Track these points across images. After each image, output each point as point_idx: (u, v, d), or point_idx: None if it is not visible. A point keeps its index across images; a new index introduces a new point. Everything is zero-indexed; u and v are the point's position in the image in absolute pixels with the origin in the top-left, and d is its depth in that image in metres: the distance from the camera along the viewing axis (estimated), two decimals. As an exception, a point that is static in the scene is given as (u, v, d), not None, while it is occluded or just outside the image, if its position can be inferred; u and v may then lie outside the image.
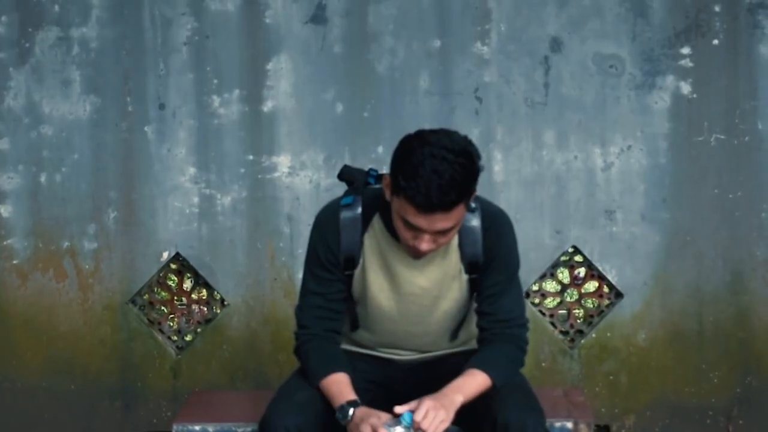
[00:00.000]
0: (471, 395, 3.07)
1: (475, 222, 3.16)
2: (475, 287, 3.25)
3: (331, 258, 3.21)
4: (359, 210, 3.18)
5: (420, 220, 2.92)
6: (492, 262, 3.19)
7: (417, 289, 3.21)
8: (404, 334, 3.29)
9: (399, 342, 3.32)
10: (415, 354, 3.35)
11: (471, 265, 3.20)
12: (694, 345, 4.66)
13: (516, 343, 3.23)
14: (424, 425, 2.91)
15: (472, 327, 3.34)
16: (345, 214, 3.19)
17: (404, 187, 2.88)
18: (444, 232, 2.97)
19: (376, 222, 3.21)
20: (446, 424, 2.96)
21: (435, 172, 2.85)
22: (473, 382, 3.09)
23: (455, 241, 3.17)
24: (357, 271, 3.23)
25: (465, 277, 3.22)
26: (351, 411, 3.04)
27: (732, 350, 4.66)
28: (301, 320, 3.31)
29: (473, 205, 3.14)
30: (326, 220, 3.23)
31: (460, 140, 2.97)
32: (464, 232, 3.15)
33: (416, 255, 3.08)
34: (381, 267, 3.21)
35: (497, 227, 3.20)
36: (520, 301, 3.27)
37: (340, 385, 3.13)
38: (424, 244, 2.98)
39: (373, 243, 3.20)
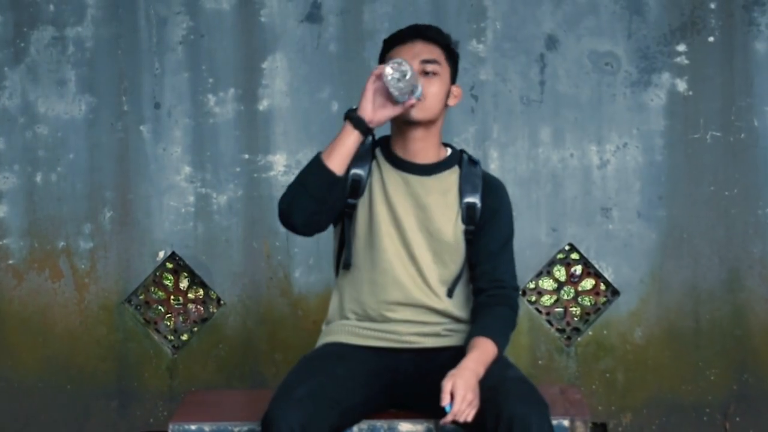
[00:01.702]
0: (487, 365, 3.12)
1: (476, 174, 3.34)
2: (470, 246, 3.32)
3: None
4: (369, 142, 3.33)
5: (404, 52, 3.22)
6: (489, 220, 3.32)
7: (412, 217, 3.28)
8: (400, 281, 3.29)
9: (395, 292, 3.30)
10: (413, 335, 3.33)
11: (469, 210, 3.30)
12: (691, 342, 4.66)
13: (510, 305, 3.30)
14: (461, 418, 2.99)
15: (469, 304, 3.38)
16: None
17: (391, 37, 3.30)
18: (427, 68, 3.22)
19: (378, 153, 3.36)
20: (476, 401, 3.03)
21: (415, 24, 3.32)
22: (485, 353, 3.14)
23: (455, 187, 3.31)
24: (362, 201, 3.30)
25: (461, 226, 3.30)
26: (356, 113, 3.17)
27: (728, 348, 4.66)
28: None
29: (475, 160, 3.37)
30: None
31: None
32: (465, 178, 3.33)
33: (409, 111, 3.19)
34: (383, 195, 3.30)
35: (495, 187, 3.38)
36: (513, 267, 3.38)
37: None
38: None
39: (376, 171, 3.32)
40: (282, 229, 4.68)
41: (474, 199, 3.31)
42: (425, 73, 3.22)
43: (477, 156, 4.59)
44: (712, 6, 4.60)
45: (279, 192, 4.55)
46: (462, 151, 3.40)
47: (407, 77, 3.05)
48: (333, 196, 3.18)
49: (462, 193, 3.32)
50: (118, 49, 4.73)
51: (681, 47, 4.62)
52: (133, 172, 4.74)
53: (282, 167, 4.68)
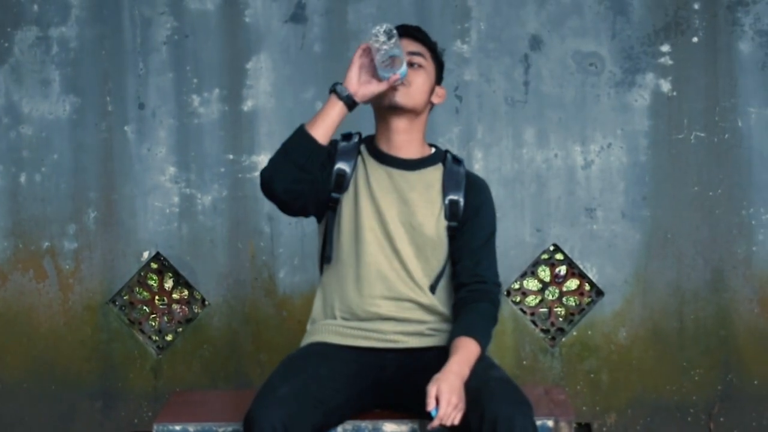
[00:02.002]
0: (471, 365, 3.12)
1: (459, 172, 3.38)
2: (452, 242, 3.34)
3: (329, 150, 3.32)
4: (356, 140, 3.39)
5: None
6: (472, 217, 3.35)
7: (395, 211, 3.30)
8: (386, 269, 3.31)
9: (379, 287, 3.31)
10: (398, 334, 3.33)
11: (452, 207, 3.33)
12: (675, 343, 4.67)
13: (491, 300, 3.31)
14: (447, 422, 2.99)
15: (451, 301, 3.37)
16: (342, 142, 3.40)
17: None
18: (413, 60, 3.28)
19: (363, 150, 3.39)
20: (462, 404, 3.02)
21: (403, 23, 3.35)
22: (468, 352, 3.14)
23: (439, 183, 3.35)
24: (346, 195, 3.32)
25: (444, 222, 3.33)
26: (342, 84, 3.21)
27: (713, 348, 4.66)
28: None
29: (459, 159, 3.41)
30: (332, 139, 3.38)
31: None
32: (449, 175, 3.36)
33: (393, 95, 3.25)
34: (366, 190, 3.32)
35: (478, 185, 3.42)
36: (495, 264, 3.40)
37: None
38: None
39: (361, 170, 3.34)
40: (267, 230, 4.68)
41: (457, 196, 3.34)
42: (410, 65, 3.25)
43: (461, 156, 4.59)
44: (696, 6, 4.61)
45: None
46: (446, 151, 3.44)
47: (393, 40, 3.09)
48: (314, 165, 3.18)
49: (445, 190, 3.34)
50: (102, 49, 4.73)
51: (665, 48, 4.63)
52: (118, 172, 4.74)
53: (267, 168, 4.67)
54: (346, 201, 3.34)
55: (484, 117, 4.66)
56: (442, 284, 3.38)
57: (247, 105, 4.70)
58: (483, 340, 3.21)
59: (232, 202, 4.71)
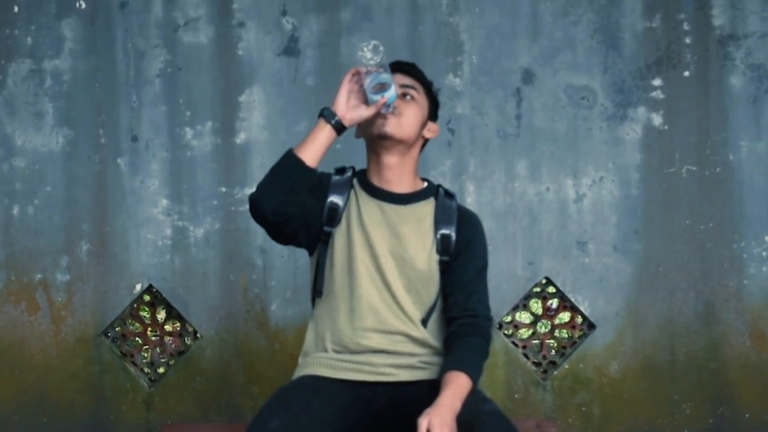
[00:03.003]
0: (463, 400, 3.10)
1: (451, 206, 3.38)
2: (444, 276, 3.34)
3: (316, 184, 3.34)
4: (349, 174, 3.41)
5: None
6: (464, 252, 3.34)
7: (386, 245, 3.30)
8: (375, 308, 3.30)
9: (370, 319, 3.31)
10: (389, 367, 3.34)
11: (443, 241, 3.33)
12: (667, 376, 4.67)
13: (482, 335, 3.29)
14: None
15: (442, 330, 3.37)
16: (336, 176, 3.41)
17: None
18: (406, 91, 3.30)
19: (356, 183, 3.40)
20: None
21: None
22: (460, 387, 3.12)
23: (431, 217, 3.34)
24: (339, 229, 3.33)
25: (436, 256, 3.32)
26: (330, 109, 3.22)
27: (704, 381, 4.67)
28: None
29: (451, 193, 3.42)
30: (324, 173, 3.39)
31: None
32: (440, 208, 3.37)
33: (385, 124, 3.25)
34: (358, 224, 3.32)
35: (470, 220, 3.42)
36: (486, 298, 3.38)
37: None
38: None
39: (353, 204, 3.35)
40: (259, 262, 4.68)
41: (449, 230, 3.35)
42: (403, 96, 3.29)
43: (454, 190, 4.60)
44: (688, 41, 4.62)
45: (256, 225, 4.53)
46: (438, 185, 3.44)
47: (380, 58, 3.11)
48: (302, 187, 3.18)
49: (437, 224, 3.35)
50: (95, 81, 4.74)
51: (656, 81, 4.64)
52: (111, 204, 4.74)
53: (259, 200, 4.68)
54: (338, 234, 3.34)
55: (477, 150, 4.67)
56: (434, 317, 3.37)
57: (240, 138, 4.71)
58: (474, 374, 3.20)
59: (225, 234, 4.71)
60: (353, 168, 3.43)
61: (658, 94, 4.64)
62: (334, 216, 3.33)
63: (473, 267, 3.36)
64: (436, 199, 3.40)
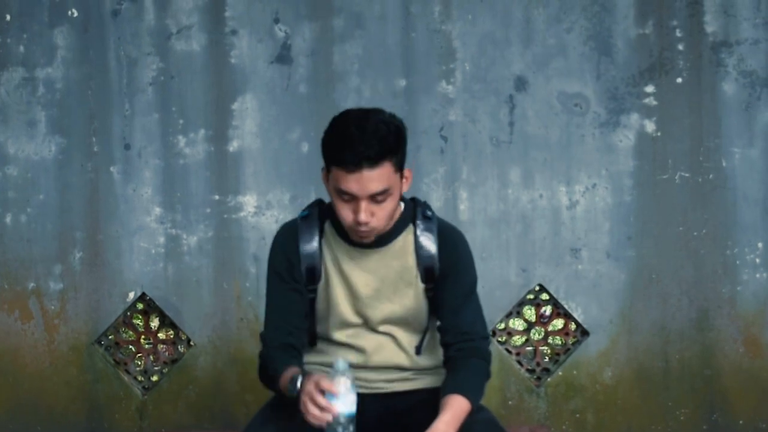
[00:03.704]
0: (459, 423, 3.09)
1: (431, 229, 3.26)
2: (432, 301, 3.29)
3: (291, 270, 3.25)
4: (315, 219, 3.28)
5: (351, 183, 3.01)
6: (449, 275, 3.26)
7: (371, 291, 3.25)
8: (367, 347, 3.29)
9: (364, 357, 3.30)
10: (381, 382, 3.34)
11: (427, 272, 3.26)
12: (660, 383, 4.67)
13: (482, 356, 3.26)
14: None
15: (438, 350, 3.35)
16: (302, 225, 3.28)
17: (331, 150, 3.04)
18: (377, 198, 3.04)
19: (328, 228, 3.28)
20: None
21: (358, 127, 3.01)
22: (458, 411, 3.10)
23: (411, 246, 3.25)
24: (321, 285, 3.26)
25: (421, 286, 3.26)
26: (299, 380, 3.02)
27: (698, 388, 4.67)
28: (265, 339, 3.32)
29: (429, 213, 3.27)
30: (285, 233, 3.30)
31: (383, 111, 3.13)
32: (420, 238, 3.25)
33: (362, 235, 3.12)
34: (338, 274, 3.25)
35: (452, 240, 3.29)
36: (480, 315, 3.31)
37: (293, 371, 3.13)
38: (362, 214, 3.05)
39: (328, 251, 3.26)
40: (252, 270, 4.68)
41: (431, 258, 3.26)
42: (377, 203, 3.08)
43: (447, 197, 4.62)
44: (680, 47, 4.62)
45: (249, 233, 4.60)
46: (415, 204, 3.31)
47: (347, 380, 2.94)
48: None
49: (418, 254, 3.26)
50: (88, 90, 4.73)
51: (649, 88, 4.64)
52: (103, 212, 4.74)
53: (252, 208, 4.68)
54: (321, 290, 3.28)
55: (470, 157, 4.67)
56: (427, 339, 3.36)
57: (233, 145, 4.70)
58: (473, 396, 3.16)
59: (218, 242, 4.71)
60: (319, 205, 3.32)
61: (651, 101, 4.64)
62: (312, 276, 3.26)
63: (462, 289, 3.28)
64: (414, 224, 3.28)
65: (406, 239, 3.27)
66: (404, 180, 3.16)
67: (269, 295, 3.31)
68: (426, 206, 3.32)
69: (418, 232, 3.26)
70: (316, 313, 3.31)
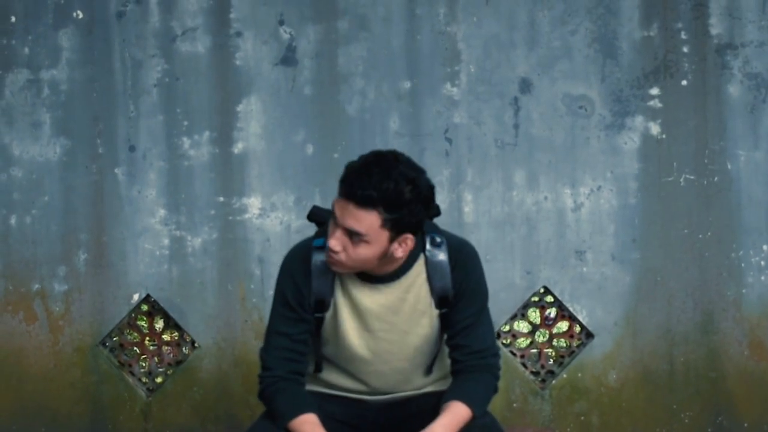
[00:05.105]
0: (457, 429, 3.08)
1: (442, 256, 3.20)
2: (445, 322, 3.25)
3: (300, 299, 3.21)
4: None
5: (338, 207, 3.00)
6: (462, 296, 3.21)
7: (385, 325, 3.20)
8: (377, 374, 3.27)
9: (372, 381, 3.29)
10: (388, 394, 3.33)
11: (441, 300, 3.21)
12: (665, 385, 4.67)
13: (492, 372, 3.25)
14: None
15: (446, 362, 3.35)
16: (317, 257, 3.19)
17: (346, 169, 3.02)
18: (352, 237, 2.99)
19: None
20: None
21: (375, 165, 2.97)
22: (457, 416, 3.10)
23: (423, 275, 3.20)
24: (328, 314, 3.22)
25: (435, 312, 3.23)
26: None
27: (703, 390, 4.66)
28: (266, 362, 3.26)
29: (438, 239, 3.19)
30: (297, 263, 3.23)
31: (414, 169, 3.02)
32: (432, 267, 3.19)
33: (329, 261, 3.08)
34: (350, 307, 3.21)
35: (465, 260, 3.23)
36: (491, 331, 3.28)
37: (311, 426, 3.11)
38: (333, 240, 3.01)
39: (339, 283, 3.21)
40: (257, 272, 4.68)
41: (444, 284, 3.20)
42: (350, 236, 3.03)
43: (451, 199, 4.61)
44: (685, 50, 4.62)
45: (254, 235, 4.60)
46: (423, 233, 3.20)
47: None
48: None
49: (431, 283, 3.21)
50: (93, 91, 4.73)
51: (654, 90, 4.64)
52: (108, 214, 4.74)
53: (257, 210, 4.68)
54: (329, 320, 3.24)
55: (474, 160, 4.66)
56: (438, 358, 3.36)
57: (238, 147, 4.70)
58: (475, 406, 3.15)
59: (223, 244, 4.71)
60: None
61: (655, 103, 4.64)
62: (321, 305, 3.22)
63: (473, 310, 3.24)
64: (425, 252, 3.21)
65: (417, 270, 3.21)
66: (397, 244, 3.06)
67: (275, 318, 3.26)
68: (434, 230, 3.24)
69: (430, 262, 3.20)
70: (321, 338, 3.27)
